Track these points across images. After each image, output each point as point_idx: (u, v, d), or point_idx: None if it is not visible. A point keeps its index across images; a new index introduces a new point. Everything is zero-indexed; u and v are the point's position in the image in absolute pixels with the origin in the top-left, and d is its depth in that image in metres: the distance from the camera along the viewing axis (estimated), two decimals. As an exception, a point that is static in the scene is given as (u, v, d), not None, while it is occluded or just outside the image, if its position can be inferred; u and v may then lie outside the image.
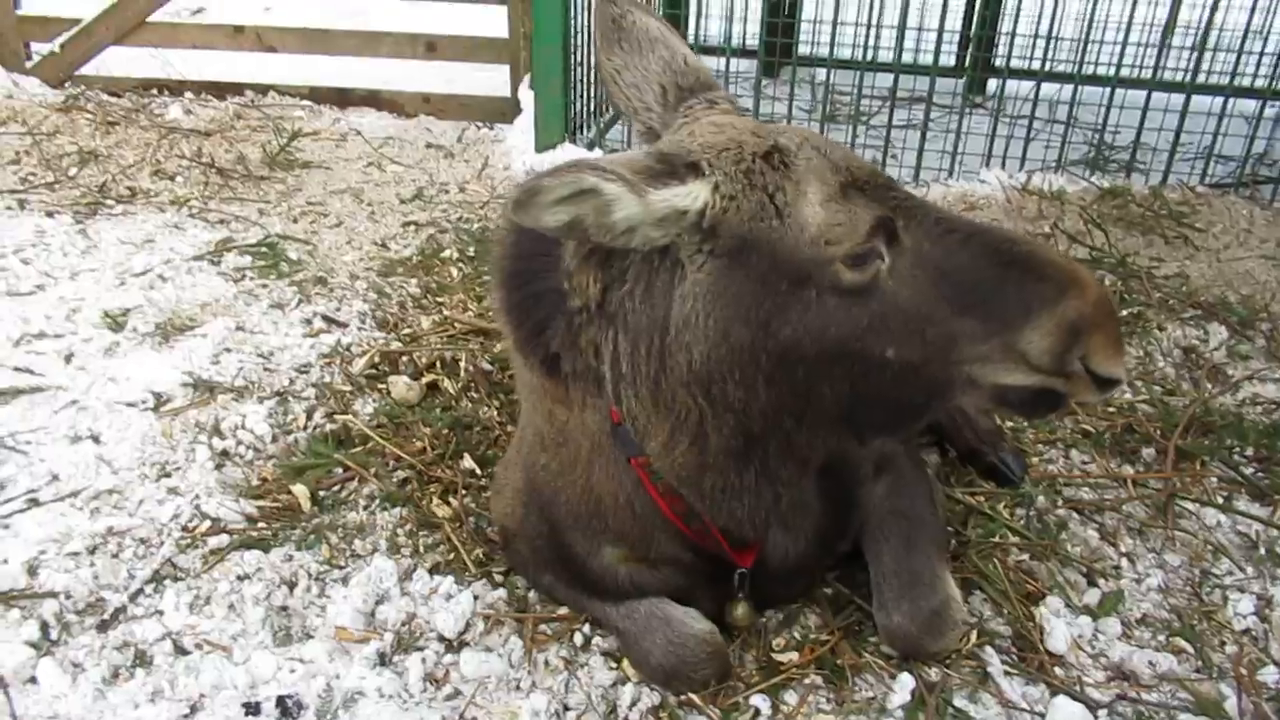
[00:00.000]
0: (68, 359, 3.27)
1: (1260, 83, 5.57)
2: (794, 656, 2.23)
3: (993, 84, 6.65)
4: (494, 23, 5.93)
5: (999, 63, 6.72)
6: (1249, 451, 3.04)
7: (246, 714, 2.06)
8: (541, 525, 2.23)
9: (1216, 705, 2.15)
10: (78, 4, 6.24)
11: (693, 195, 1.65)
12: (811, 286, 1.68)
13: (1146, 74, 5.69)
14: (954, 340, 1.72)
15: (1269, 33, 5.56)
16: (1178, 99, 4.96)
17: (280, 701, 2.07)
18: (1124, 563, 2.59)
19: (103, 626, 2.28)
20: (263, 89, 6.34)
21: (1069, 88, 5.06)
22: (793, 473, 1.95)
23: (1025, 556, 2.57)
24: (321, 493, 2.75)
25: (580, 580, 2.22)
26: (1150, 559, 2.63)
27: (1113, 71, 5.23)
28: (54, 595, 2.33)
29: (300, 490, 2.71)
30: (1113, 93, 5.05)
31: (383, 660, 2.18)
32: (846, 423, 1.83)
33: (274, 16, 6.31)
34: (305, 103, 6.27)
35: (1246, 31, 5.02)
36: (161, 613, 2.32)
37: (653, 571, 2.15)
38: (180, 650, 2.22)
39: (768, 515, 1.99)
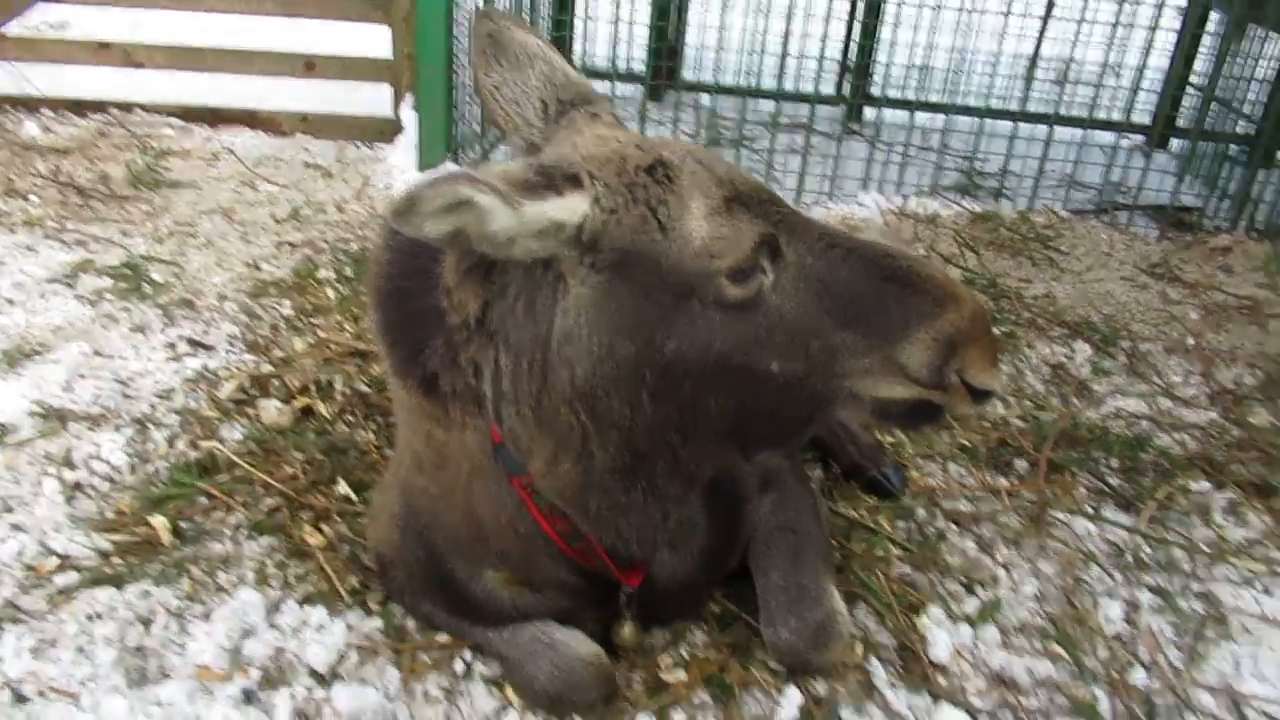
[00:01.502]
0: (-100, 387, 3.03)
1: (1117, 115, 5.89)
2: (681, 676, 2.19)
3: (870, 112, 6.86)
4: (375, 42, 5.81)
5: (876, 92, 6.94)
6: (1114, 463, 3.15)
7: (97, 764, 1.91)
8: (420, 550, 2.15)
9: (1091, 708, 2.20)
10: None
11: (571, 208, 1.61)
12: (696, 300, 1.66)
13: (1014, 105, 5.99)
14: (836, 353, 1.72)
15: (1123, 68, 5.90)
16: (1043, 129, 5.20)
17: (135, 748, 1.93)
18: (1001, 572, 2.65)
19: (-67, 676, 2.09)
20: (128, 106, 6.05)
21: (943, 116, 5.25)
22: (680, 490, 1.92)
23: (907, 568, 2.60)
24: (183, 524, 2.60)
25: (461, 606, 2.14)
26: (1025, 568, 2.69)
27: (982, 102, 5.47)
28: (-123, 644, 2.13)
29: (159, 522, 2.55)
30: (982, 122, 5.26)
31: (248, 699, 2.05)
32: (733, 437, 1.81)
33: (143, 33, 6.04)
34: (175, 121, 6.01)
35: (1104, 67, 5.29)
36: (1, 659, 2.14)
37: (536, 594, 2.09)
38: (19, 698, 2.04)
39: (655, 534, 1.95)
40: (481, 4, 5.38)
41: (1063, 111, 5.57)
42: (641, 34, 7.13)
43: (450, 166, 5.24)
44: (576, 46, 6.77)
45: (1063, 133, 5.25)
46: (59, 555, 2.43)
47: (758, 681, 2.18)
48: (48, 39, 6.12)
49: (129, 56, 5.91)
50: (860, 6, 7.11)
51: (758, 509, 2.33)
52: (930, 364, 1.71)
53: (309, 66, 5.84)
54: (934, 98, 6.06)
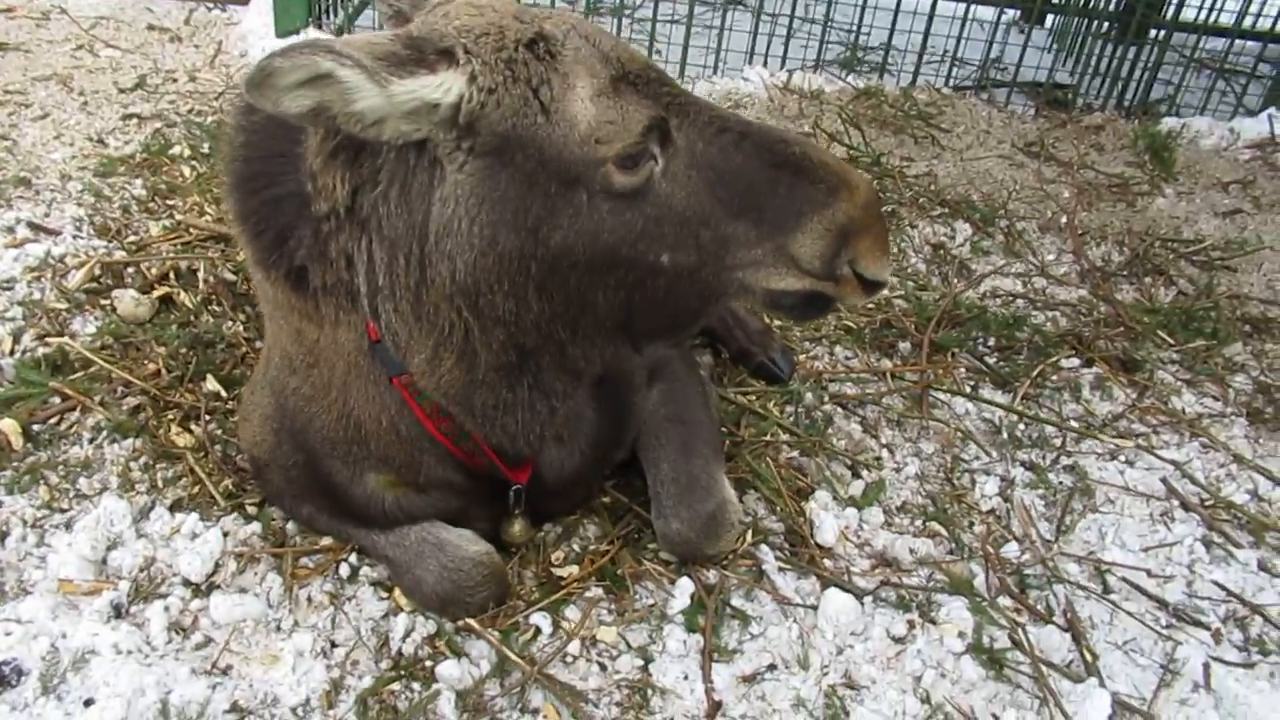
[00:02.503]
0: None
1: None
2: (574, 570, 2.18)
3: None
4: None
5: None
6: (991, 342, 3.23)
7: (-48, 689, 1.79)
8: (296, 453, 2.04)
9: (968, 583, 2.29)
10: None
11: (445, 86, 1.48)
12: (582, 189, 1.56)
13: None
14: (727, 244, 1.66)
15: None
16: (926, 3, 5.13)
17: (-4, 670, 1.81)
18: (884, 454, 2.71)
19: None
20: (-63, -46, 5.39)
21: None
22: (568, 385, 1.86)
23: (795, 453, 2.63)
24: (36, 427, 2.41)
25: (343, 509, 2.06)
26: (908, 448, 2.75)
27: None
28: None
29: (8, 425, 2.37)
30: None
31: (118, 612, 1.95)
32: (622, 330, 1.75)
33: None
34: (-5, -27, 5.40)
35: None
36: None
37: (422, 495, 2.02)
38: None
39: (542, 429, 1.89)
40: None
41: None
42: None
43: (313, 33, 4.88)
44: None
45: (945, 8, 5.20)
46: (-107, 466, 2.23)
47: (650, 573, 2.19)
48: None
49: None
50: None
51: (646, 400, 2.30)
52: (822, 255, 1.68)
53: (148, -89, 5.28)
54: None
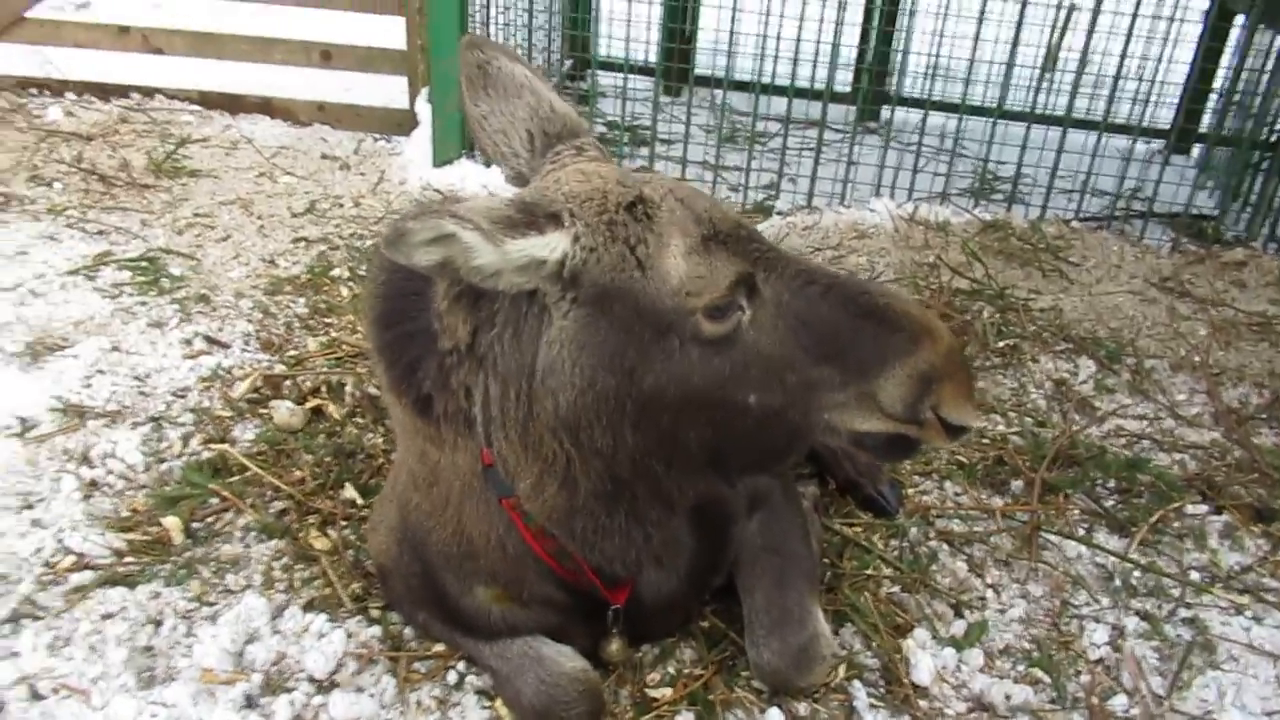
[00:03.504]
0: (-74, 380, 3.12)
1: (1135, 119, 5.86)
2: (667, 692, 2.26)
3: (886, 113, 6.87)
4: (391, 33, 5.86)
5: (898, 92, 6.93)
6: (1110, 484, 3.19)
7: (104, 762, 2.00)
8: (415, 564, 2.22)
9: (1068, 735, 2.25)
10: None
11: (551, 246, 1.66)
12: (674, 336, 1.71)
13: (1031, 107, 5.95)
14: (813, 388, 1.77)
15: (1144, 71, 5.87)
16: (1060, 134, 5.18)
17: (139, 748, 2.01)
18: (989, 594, 2.70)
19: (-48, 670, 2.18)
20: (149, 91, 6.14)
21: (956, 118, 5.26)
22: (662, 514, 1.97)
23: (897, 588, 2.65)
24: (195, 524, 2.68)
25: (454, 619, 2.21)
26: (1014, 590, 2.73)
27: (997, 104, 5.45)
28: (-102, 637, 2.23)
29: (172, 522, 2.64)
30: (994, 125, 5.25)
31: (249, 703, 2.14)
32: (712, 465, 1.86)
33: (162, 16, 6.11)
34: (195, 107, 6.09)
35: (1119, 70, 5.24)
36: (18, 654, 2.23)
37: (526, 610, 2.16)
38: (35, 695, 2.13)
39: (638, 554, 2.01)
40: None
41: (1081, 115, 5.54)
42: (657, 26, 7.15)
43: (465, 164, 5.30)
44: (595, 40, 6.82)
45: (1079, 137, 5.24)
46: (75, 553, 2.52)
47: (741, 701, 2.25)
48: (70, 21, 6.20)
49: (148, 41, 6.00)
50: (876, 3, 7.11)
51: (745, 529, 2.39)
52: (905, 400, 1.76)
53: (325, 56, 5.91)
54: (950, 98, 6.06)
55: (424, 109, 5.55)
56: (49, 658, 2.22)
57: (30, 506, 2.67)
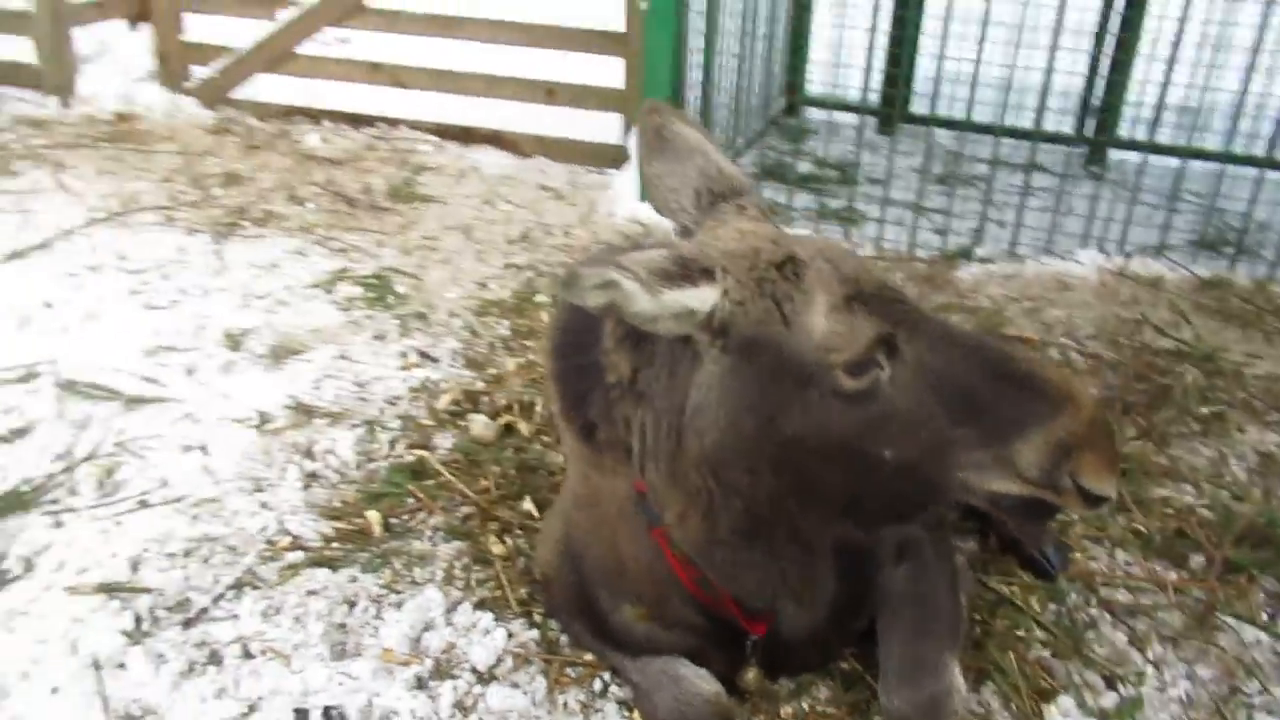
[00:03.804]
0: (189, 373, 3.63)
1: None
2: (799, 727, 2.35)
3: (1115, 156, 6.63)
4: (611, 73, 6.21)
5: (1123, 133, 6.67)
6: (1309, 569, 3.00)
7: (296, 718, 2.30)
8: (573, 576, 2.42)
9: (1215, 826, 2.17)
10: (234, 32, 6.83)
11: (702, 298, 1.81)
12: (814, 388, 1.82)
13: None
14: (949, 446, 1.83)
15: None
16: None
17: (326, 711, 2.32)
18: (1150, 670, 2.61)
19: (186, 624, 2.57)
20: (394, 122, 6.77)
21: (1192, 164, 5.02)
22: (799, 553, 2.08)
23: (1047, 653, 2.62)
24: (393, 520, 3.00)
25: (602, 631, 2.40)
26: (1180, 669, 2.63)
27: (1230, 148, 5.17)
28: (149, 591, 2.64)
29: (373, 516, 2.96)
30: (1224, 169, 4.96)
31: (420, 684, 2.40)
32: (847, 512, 1.96)
33: (408, 55, 6.73)
34: (431, 138, 6.66)
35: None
36: (237, 617, 2.60)
37: (668, 631, 2.31)
38: (247, 654, 2.48)
39: (775, 589, 2.13)
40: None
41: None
42: (875, 63, 7.19)
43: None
44: (806, 75, 6.95)
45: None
46: (292, 535, 2.89)
47: (869, 743, 2.31)
48: (331, 59, 6.91)
49: (396, 77, 6.61)
50: (1107, 38, 6.86)
51: (891, 577, 2.44)
52: (1041, 465, 1.79)
53: (550, 93, 6.32)
54: (1181, 140, 5.79)
55: (634, 145, 5.83)
56: (261, 623, 2.57)
57: (261, 490, 3.08)
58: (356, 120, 6.82)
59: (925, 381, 1.83)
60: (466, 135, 6.67)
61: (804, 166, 6.35)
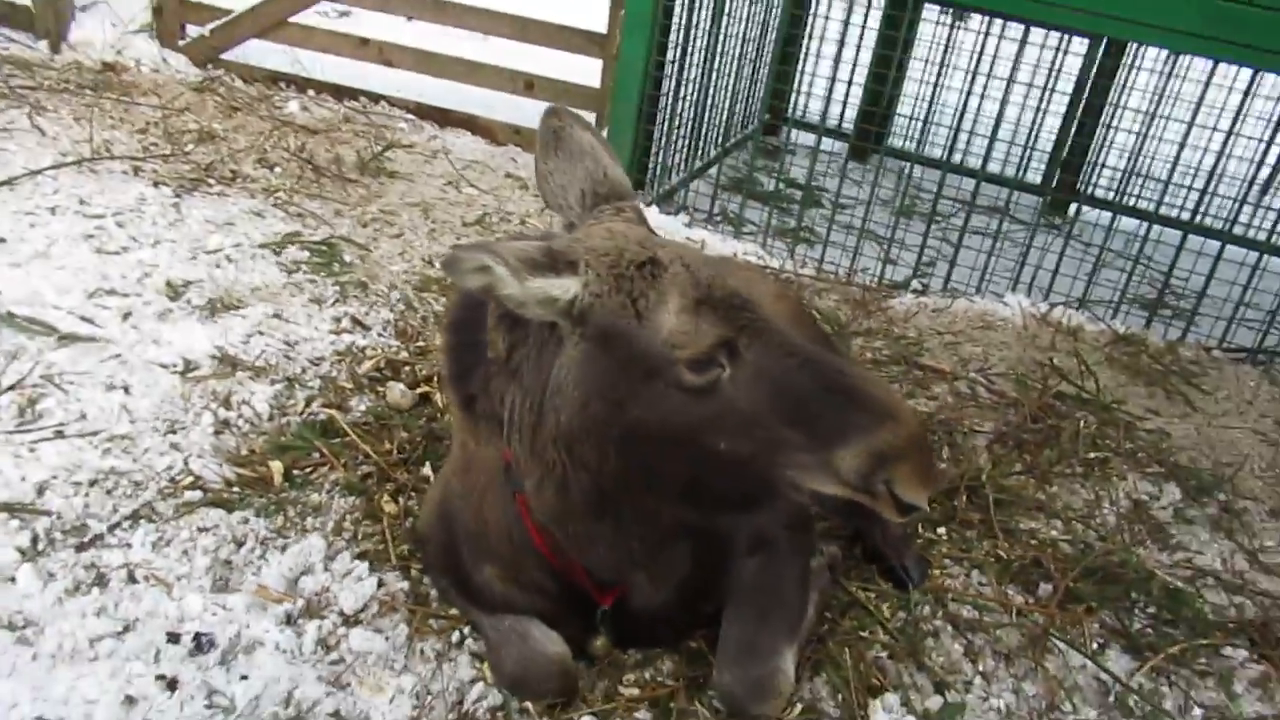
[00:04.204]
0: (125, 317, 3.77)
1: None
2: (635, 692, 2.52)
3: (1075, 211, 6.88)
4: (589, 72, 6.39)
5: (1085, 189, 6.93)
6: (1151, 609, 3.18)
7: (168, 641, 2.45)
8: (444, 535, 2.59)
9: (1002, 824, 2.35)
10: (233, -4, 7.00)
11: (565, 287, 1.98)
12: (659, 380, 1.98)
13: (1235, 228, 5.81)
14: (779, 446, 2.00)
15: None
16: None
17: (196, 637, 2.47)
18: (978, 680, 2.79)
19: (79, 548, 2.71)
20: (376, 98, 6.93)
21: (1159, 230, 5.27)
22: (646, 530, 2.25)
23: (885, 654, 2.80)
24: (295, 472, 3.15)
25: (466, 589, 2.56)
26: (1007, 683, 2.82)
27: (1189, 217, 5.42)
28: (49, 514, 2.78)
29: (276, 466, 3.12)
30: (1184, 240, 5.19)
31: (289, 620, 2.56)
32: (685, 498, 2.13)
33: (398, 34, 6.90)
34: (410, 116, 6.83)
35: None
36: (129, 546, 2.74)
37: (523, 593, 2.48)
38: (132, 579, 2.63)
39: (621, 563, 2.30)
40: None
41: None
42: (857, 94, 7.42)
43: (627, 199, 5.71)
44: (793, 99, 7.16)
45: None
46: (195, 475, 3.04)
47: (697, 714, 2.48)
48: (320, 28, 7.07)
49: (382, 54, 6.77)
50: (1080, 103, 7.11)
51: (743, 567, 2.62)
52: (860, 472, 1.96)
53: (529, 85, 6.51)
54: (1144, 205, 6.05)
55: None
56: (151, 553, 2.72)
57: (174, 432, 3.22)
58: (340, 92, 6.99)
59: (762, 384, 2.00)
60: (444, 117, 6.85)
61: (772, 184, 6.53)
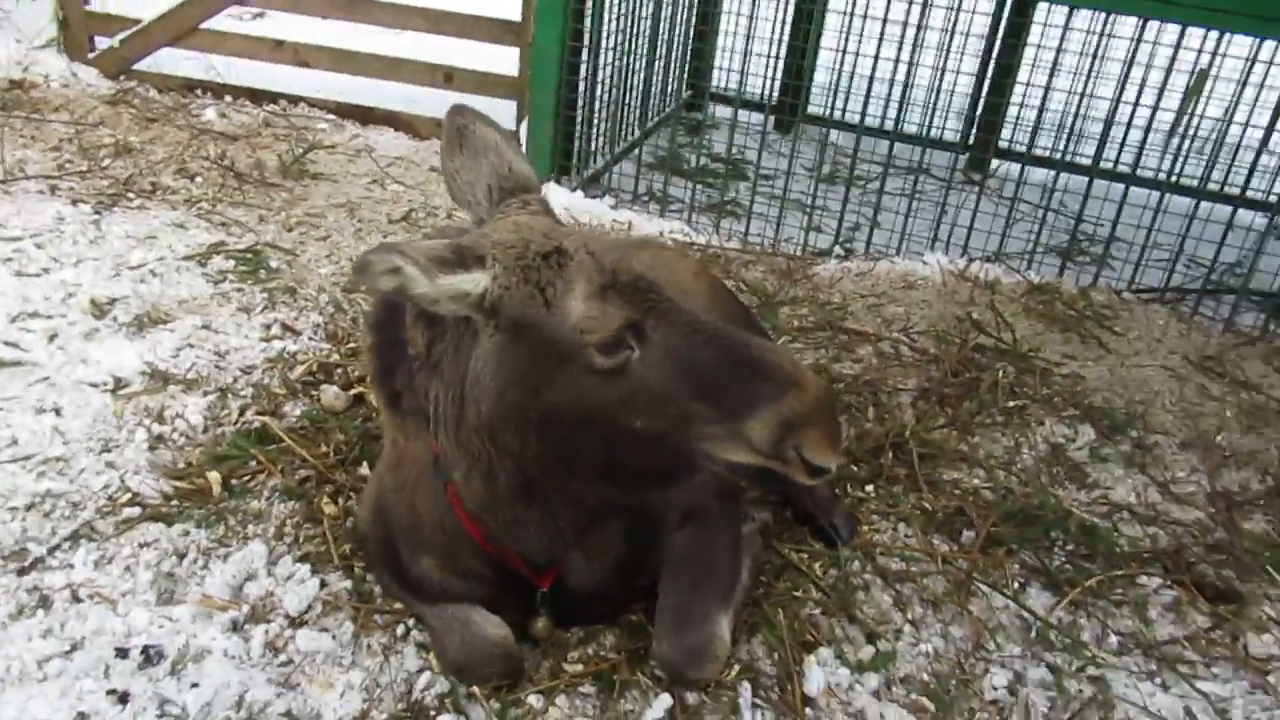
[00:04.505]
0: (51, 338, 3.76)
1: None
2: (579, 669, 2.61)
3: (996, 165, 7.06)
4: (509, 61, 6.41)
5: (1004, 145, 7.10)
6: (1069, 546, 3.35)
7: (116, 656, 2.50)
8: (381, 531, 2.66)
9: (932, 759, 2.49)
10: (141, 6, 6.88)
11: (474, 282, 2.06)
12: (571, 364, 2.07)
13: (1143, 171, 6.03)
14: (691, 420, 2.09)
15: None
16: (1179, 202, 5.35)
17: (145, 650, 2.51)
18: (908, 629, 2.93)
19: (20, 572, 2.73)
20: (295, 99, 6.89)
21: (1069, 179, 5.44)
22: (573, 511, 2.34)
23: (818, 611, 2.92)
24: (233, 481, 3.19)
25: (405, 581, 2.64)
26: (935, 628, 2.96)
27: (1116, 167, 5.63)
28: (-13, 540, 2.81)
29: (214, 476, 3.16)
30: (1090, 183, 5.36)
31: (235, 627, 2.61)
32: (606, 477, 2.22)
33: (313, 34, 6.86)
34: (331, 116, 6.81)
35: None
36: (71, 566, 2.77)
37: (462, 581, 2.56)
38: (76, 599, 2.66)
39: (553, 545, 2.39)
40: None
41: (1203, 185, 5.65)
42: (777, 65, 7.50)
43: (553, 187, 5.78)
44: (714, 73, 7.23)
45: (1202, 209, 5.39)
46: (133, 492, 3.06)
47: (639, 684, 2.58)
48: (234, 33, 7.01)
49: (298, 55, 6.73)
50: (991, 60, 7.27)
51: (675, 540, 2.72)
52: (769, 440, 2.06)
53: (448, 78, 6.52)
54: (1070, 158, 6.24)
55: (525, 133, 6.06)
56: (93, 571, 2.76)
57: (108, 450, 3.24)
58: (258, 96, 6.94)
59: (671, 363, 2.09)
60: (365, 115, 6.84)
61: (697, 160, 6.61)
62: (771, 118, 6.95)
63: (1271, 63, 6.27)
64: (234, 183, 5.58)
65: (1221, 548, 3.47)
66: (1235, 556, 3.41)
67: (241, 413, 3.51)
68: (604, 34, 5.86)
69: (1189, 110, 6.54)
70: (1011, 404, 4.15)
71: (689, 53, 7.29)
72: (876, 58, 5.43)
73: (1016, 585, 3.14)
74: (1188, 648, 2.99)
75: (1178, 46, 5.52)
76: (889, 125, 6.03)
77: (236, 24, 7.72)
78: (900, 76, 5.40)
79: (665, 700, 2.52)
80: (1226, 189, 6.15)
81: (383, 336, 2.47)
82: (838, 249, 5.59)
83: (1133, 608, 3.12)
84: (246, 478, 3.22)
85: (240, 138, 6.27)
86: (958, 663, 2.84)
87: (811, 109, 7.23)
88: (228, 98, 6.92)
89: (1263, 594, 3.26)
